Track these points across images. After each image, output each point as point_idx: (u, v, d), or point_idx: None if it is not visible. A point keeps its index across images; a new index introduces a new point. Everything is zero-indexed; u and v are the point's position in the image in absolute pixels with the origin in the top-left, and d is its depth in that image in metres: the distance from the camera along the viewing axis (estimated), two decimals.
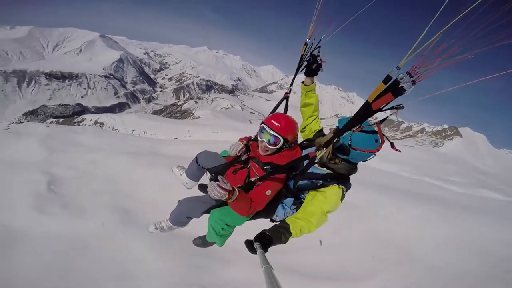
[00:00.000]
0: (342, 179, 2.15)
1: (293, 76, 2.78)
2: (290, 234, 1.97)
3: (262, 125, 2.21)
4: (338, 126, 2.06)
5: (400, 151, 1.80)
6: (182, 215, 2.56)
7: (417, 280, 5.22)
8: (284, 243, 1.99)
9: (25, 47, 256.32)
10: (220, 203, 2.36)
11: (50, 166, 8.89)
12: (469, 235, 6.77)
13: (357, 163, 2.16)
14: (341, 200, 2.13)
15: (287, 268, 5.28)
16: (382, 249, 6.14)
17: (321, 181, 2.14)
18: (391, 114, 1.49)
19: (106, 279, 4.62)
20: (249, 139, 2.50)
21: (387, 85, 1.32)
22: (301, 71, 2.69)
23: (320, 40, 2.52)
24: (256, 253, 1.72)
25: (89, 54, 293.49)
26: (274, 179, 2.15)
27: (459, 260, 5.83)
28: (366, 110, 1.47)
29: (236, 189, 2.03)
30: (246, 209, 2.10)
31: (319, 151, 1.90)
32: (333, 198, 2.08)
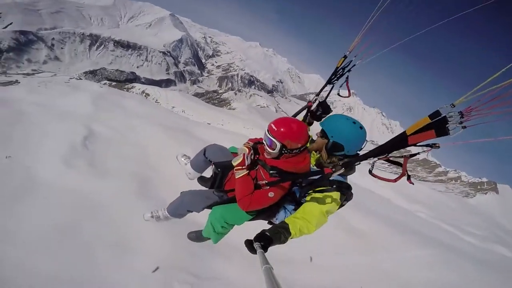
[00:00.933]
0: (343, 187, 2.12)
1: (322, 85, 2.73)
2: (290, 234, 1.95)
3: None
4: (322, 129, 2.16)
5: (413, 184, 1.69)
6: (183, 207, 2.53)
7: None
8: (284, 243, 1.97)
9: (107, 14, 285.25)
10: (222, 201, 2.37)
11: (92, 121, 9.38)
12: (469, 286, 6.74)
13: (354, 156, 2.12)
14: (340, 201, 2.10)
15: (284, 278, 5.20)
16: (374, 281, 6.11)
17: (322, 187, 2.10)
18: (423, 151, 1.38)
19: (103, 246, 4.51)
20: (257, 142, 2.38)
21: (433, 120, 1.20)
22: (333, 81, 2.65)
23: (354, 65, 2.45)
24: (256, 253, 1.69)
25: (156, 30, 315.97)
26: (279, 184, 2.10)
27: None
28: (401, 142, 1.38)
29: (249, 172, 2.12)
30: (245, 193, 2.09)
31: (335, 169, 1.85)
32: (333, 197, 2.06)
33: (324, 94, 2.80)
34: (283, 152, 2.08)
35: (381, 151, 1.57)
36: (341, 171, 1.84)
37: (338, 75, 2.58)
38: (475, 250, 11.50)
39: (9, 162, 5.77)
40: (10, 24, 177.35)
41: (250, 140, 2.44)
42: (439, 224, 18.21)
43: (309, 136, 2.19)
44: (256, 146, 2.31)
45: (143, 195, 6.15)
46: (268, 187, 2.07)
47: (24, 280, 3.61)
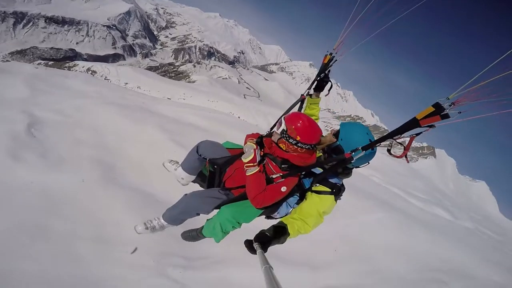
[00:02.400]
0: (340, 191, 2.25)
1: (312, 81, 2.89)
2: (288, 234, 2.04)
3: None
4: (340, 129, 2.25)
5: (408, 162, 2.25)
6: (191, 211, 2.35)
7: (358, 280, 5.65)
8: (283, 243, 2.05)
9: None
10: (230, 200, 2.29)
11: (33, 106, 8.14)
12: (413, 244, 7.40)
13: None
14: (335, 203, 2.25)
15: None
16: (346, 245, 6.50)
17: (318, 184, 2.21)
18: (425, 130, 1.78)
19: (81, 241, 4.18)
20: (260, 136, 2.33)
21: (436, 109, 1.64)
22: (321, 77, 2.82)
23: (336, 60, 2.73)
24: (255, 253, 1.73)
25: (97, 4, 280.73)
26: (291, 177, 2.13)
27: (397, 265, 6.37)
28: (412, 124, 1.76)
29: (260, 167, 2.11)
30: (259, 191, 2.06)
31: (354, 152, 2.02)
32: (328, 200, 2.16)
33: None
34: (282, 135, 2.13)
35: (396, 133, 1.88)
36: (361, 154, 2.01)
37: (325, 70, 2.77)
38: (421, 213, 13.02)
39: None
40: None
41: (250, 136, 2.32)
42: (390, 188, 20.56)
43: (318, 140, 2.21)
44: (260, 140, 2.26)
45: (109, 182, 5.69)
46: (283, 179, 2.09)
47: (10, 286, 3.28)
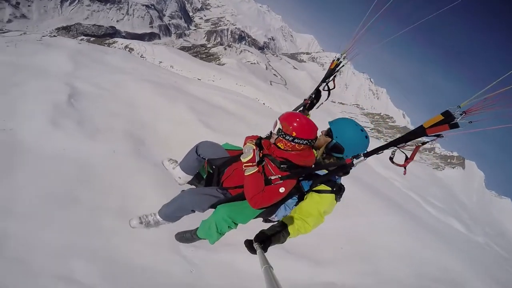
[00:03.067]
0: (340, 190, 2.19)
1: (316, 86, 2.82)
2: (288, 234, 2.01)
3: None
4: (329, 129, 2.24)
5: (405, 174, 2.03)
6: (186, 207, 2.31)
7: (357, 279, 5.63)
8: (283, 242, 2.03)
9: None
10: (227, 199, 2.27)
11: (74, 79, 8.64)
12: (417, 250, 7.39)
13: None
14: (336, 201, 2.18)
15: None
16: (353, 244, 6.51)
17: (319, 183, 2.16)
18: (432, 140, 1.69)
19: (104, 214, 4.30)
20: (259, 138, 2.30)
21: (445, 117, 1.55)
22: (327, 82, 2.77)
23: (343, 65, 2.66)
24: (255, 253, 1.70)
25: None
26: (290, 179, 2.09)
27: (398, 269, 6.37)
28: (417, 133, 1.69)
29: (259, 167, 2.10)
30: (257, 191, 2.04)
31: (355, 159, 1.98)
32: (328, 199, 2.11)
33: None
34: (279, 134, 2.11)
35: (401, 141, 1.79)
36: (362, 160, 1.97)
37: (332, 75, 2.73)
38: (433, 220, 12.79)
39: None
40: None
41: (249, 137, 2.30)
42: (408, 193, 20.16)
43: (316, 135, 2.19)
44: (259, 141, 2.23)
45: (138, 156, 5.88)
46: (282, 181, 2.05)
47: (36, 255, 3.44)
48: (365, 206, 8.27)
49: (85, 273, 3.44)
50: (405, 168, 1.92)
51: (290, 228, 2.02)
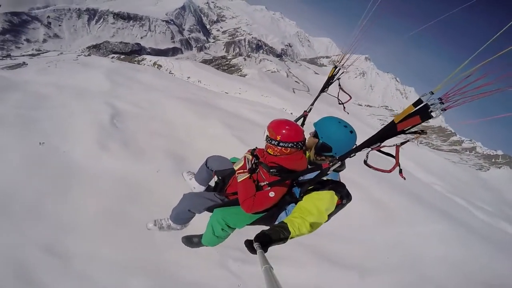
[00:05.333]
0: (336, 186, 2.14)
1: (315, 97, 2.91)
2: (289, 233, 1.93)
3: None
4: (315, 131, 2.25)
5: (405, 179, 1.66)
6: (185, 208, 2.51)
7: None
8: (284, 242, 1.96)
9: None
10: (224, 203, 2.40)
11: (113, 98, 9.03)
12: (469, 259, 7.02)
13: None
14: (337, 197, 2.11)
15: (315, 250, 5.54)
16: (398, 253, 6.38)
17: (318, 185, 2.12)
18: (412, 138, 1.48)
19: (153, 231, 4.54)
20: (254, 148, 2.41)
21: (416, 108, 1.34)
22: (326, 91, 2.88)
23: (343, 72, 2.71)
24: (256, 253, 1.68)
25: None
26: (279, 184, 2.15)
27: (447, 278, 6.13)
28: (390, 130, 1.47)
29: (251, 175, 2.20)
30: (247, 196, 2.14)
31: (332, 163, 1.90)
32: (327, 195, 2.06)
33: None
34: (267, 141, 2.21)
35: (374, 141, 1.60)
36: (338, 164, 1.88)
37: (330, 83, 2.81)
38: (483, 226, 12.01)
39: (44, 148, 5.58)
40: None
41: (249, 150, 2.42)
42: (452, 197, 19.04)
43: (303, 138, 2.24)
44: (254, 152, 2.34)
45: (180, 173, 5.94)
46: (269, 187, 2.12)
47: (100, 272, 3.63)
48: (410, 215, 8.05)
49: None
50: (400, 173, 1.67)
51: (290, 228, 1.94)
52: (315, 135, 2.28)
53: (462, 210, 14.35)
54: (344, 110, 2.91)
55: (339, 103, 2.78)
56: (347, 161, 1.99)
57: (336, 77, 2.77)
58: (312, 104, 2.90)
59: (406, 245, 6.79)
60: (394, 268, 5.91)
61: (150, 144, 6.68)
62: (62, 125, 6.69)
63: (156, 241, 4.32)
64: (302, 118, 2.87)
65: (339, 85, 2.84)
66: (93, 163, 5.52)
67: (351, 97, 2.83)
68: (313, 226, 2.02)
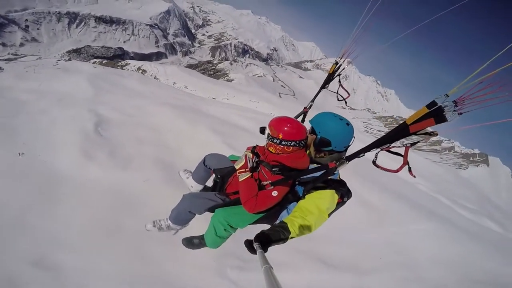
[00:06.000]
0: (338, 185, 2.15)
1: (315, 93, 2.92)
2: (289, 233, 1.92)
3: None
4: (312, 127, 2.26)
5: (415, 177, 1.66)
6: (185, 209, 2.48)
7: (405, 286, 5.59)
8: (284, 242, 1.96)
9: None
10: (225, 203, 2.37)
11: (97, 105, 8.74)
12: (460, 256, 7.15)
13: (343, 152, 2.23)
14: (337, 195, 2.11)
15: (312, 254, 5.58)
16: (390, 253, 6.43)
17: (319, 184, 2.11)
18: (423, 139, 1.47)
19: (150, 240, 4.32)
20: (254, 146, 2.38)
21: (431, 110, 1.31)
22: (326, 87, 2.84)
23: (344, 68, 2.68)
24: (256, 253, 1.68)
25: (139, 3, 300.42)
26: (282, 183, 2.12)
27: (441, 275, 6.21)
28: (402, 131, 1.47)
29: (252, 174, 2.16)
30: (250, 196, 2.11)
31: (338, 163, 1.87)
32: (328, 194, 2.06)
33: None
34: (268, 139, 2.20)
35: (384, 141, 1.61)
36: (346, 164, 1.86)
37: (331, 80, 2.76)
38: (469, 224, 12.41)
39: (24, 159, 5.30)
40: None
41: (249, 147, 2.39)
42: (437, 196, 19.57)
43: (305, 136, 2.21)
44: (255, 150, 2.32)
45: (171, 182, 5.80)
46: (272, 186, 2.09)
47: (99, 285, 3.55)
48: (400, 215, 8.19)
49: None
50: (410, 171, 1.68)
51: (290, 227, 1.94)
52: (312, 131, 2.28)
53: (448, 209, 14.93)
54: (346, 105, 2.96)
55: (338, 100, 2.82)
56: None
57: (337, 73, 2.74)
58: (313, 101, 2.90)
59: (399, 244, 6.94)
60: (390, 266, 6.03)
61: (137, 152, 6.49)
62: (43, 134, 6.38)
63: (152, 251, 4.23)
64: (303, 115, 2.84)
65: (339, 81, 2.83)
66: (78, 173, 5.30)
67: (349, 94, 2.90)
68: (314, 226, 2.00)
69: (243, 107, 16.12)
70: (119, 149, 6.40)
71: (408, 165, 1.66)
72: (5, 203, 4.30)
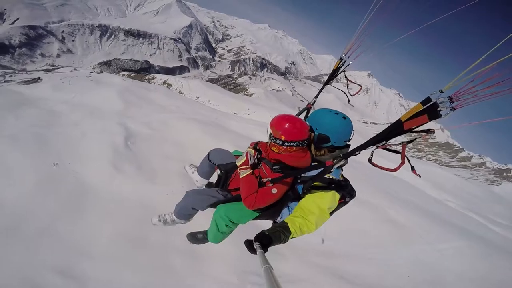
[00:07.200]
0: (339, 185, 2.10)
1: (320, 89, 2.89)
2: (290, 232, 1.90)
3: None
4: (309, 124, 2.23)
5: (420, 176, 1.63)
6: (188, 205, 2.52)
7: None
8: (285, 242, 1.93)
9: (112, 4, 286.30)
10: (227, 199, 2.40)
11: (126, 118, 9.11)
12: (491, 274, 6.84)
13: (344, 147, 2.20)
14: (339, 195, 2.08)
15: (334, 271, 5.44)
16: (418, 271, 6.25)
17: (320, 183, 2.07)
18: (419, 137, 1.46)
19: (174, 254, 4.39)
20: (257, 142, 2.39)
21: (425, 106, 1.30)
22: (330, 84, 2.82)
23: (348, 65, 2.59)
24: (256, 253, 1.67)
25: (164, 17, 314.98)
26: (282, 180, 2.12)
27: None
28: (396, 128, 1.44)
29: (253, 171, 2.18)
30: (250, 192, 2.12)
31: (335, 160, 1.86)
32: (329, 194, 2.03)
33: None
34: (271, 139, 2.18)
35: (379, 139, 1.57)
36: (342, 162, 1.83)
37: (335, 76, 2.72)
38: (500, 240, 11.75)
39: (58, 170, 5.54)
40: (17, 19, 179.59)
41: (252, 144, 2.41)
42: (467, 213, 18.64)
43: (308, 135, 2.18)
44: (257, 146, 2.32)
45: None
46: (272, 184, 2.10)
47: None
48: (428, 233, 7.91)
49: None
50: (413, 170, 1.59)
51: (291, 227, 1.91)
52: (310, 129, 2.26)
53: (479, 225, 14.10)
54: (349, 103, 2.90)
55: (350, 96, 2.77)
56: (352, 160, 1.95)
57: (341, 69, 2.68)
58: (316, 97, 2.85)
59: (427, 262, 6.69)
60: (417, 286, 5.82)
61: (162, 166, 6.66)
62: (74, 146, 6.70)
63: (176, 265, 4.25)
64: (306, 111, 2.79)
65: (346, 77, 2.78)
66: (107, 185, 5.51)
67: (361, 87, 2.83)
68: (315, 225, 1.98)
69: (264, 122, 16.21)
70: (146, 163, 6.58)
71: (410, 164, 1.61)
72: (36, 210, 4.49)
